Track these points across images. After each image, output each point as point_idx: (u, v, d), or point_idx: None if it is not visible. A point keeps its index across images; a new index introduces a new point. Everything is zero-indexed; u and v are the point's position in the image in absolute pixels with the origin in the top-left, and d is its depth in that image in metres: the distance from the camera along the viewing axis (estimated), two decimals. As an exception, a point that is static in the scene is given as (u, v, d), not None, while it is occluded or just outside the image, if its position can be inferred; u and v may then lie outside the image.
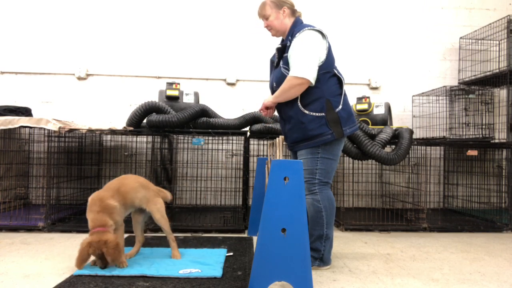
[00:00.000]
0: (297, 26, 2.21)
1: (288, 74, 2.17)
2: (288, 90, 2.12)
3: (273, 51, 3.96)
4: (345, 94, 2.24)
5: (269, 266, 1.70)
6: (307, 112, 2.15)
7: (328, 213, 2.18)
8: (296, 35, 2.14)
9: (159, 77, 4.22)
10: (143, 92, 4.19)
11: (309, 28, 2.14)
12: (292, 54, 2.13)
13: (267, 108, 2.31)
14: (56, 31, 4.16)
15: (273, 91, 2.30)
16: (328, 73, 2.16)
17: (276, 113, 3.47)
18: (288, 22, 2.27)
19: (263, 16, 2.31)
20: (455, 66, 4.41)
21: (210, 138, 4.07)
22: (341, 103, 2.19)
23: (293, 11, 2.30)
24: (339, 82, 2.21)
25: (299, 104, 2.17)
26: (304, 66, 2.07)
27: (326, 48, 2.16)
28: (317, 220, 2.17)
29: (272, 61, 2.41)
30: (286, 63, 2.19)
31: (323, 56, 2.14)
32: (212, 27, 4.27)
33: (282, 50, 2.29)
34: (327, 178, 2.20)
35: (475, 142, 3.53)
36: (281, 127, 2.37)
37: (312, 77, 2.09)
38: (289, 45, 2.18)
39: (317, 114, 2.14)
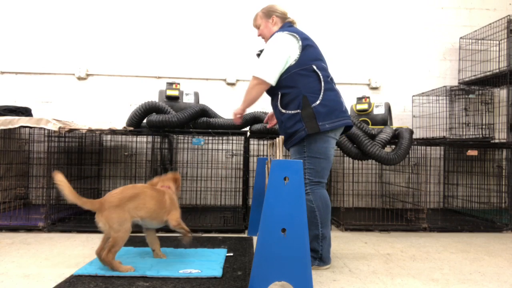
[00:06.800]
0: (277, 31, 2.30)
1: None
2: (249, 91, 2.23)
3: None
4: (329, 89, 2.18)
5: (269, 266, 1.70)
6: (284, 111, 2.22)
7: (322, 212, 2.18)
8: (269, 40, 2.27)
9: (159, 77, 4.21)
10: (143, 92, 4.19)
11: (280, 31, 2.24)
12: (262, 55, 2.24)
13: (237, 115, 2.40)
14: (56, 31, 4.15)
15: None
16: (305, 70, 2.17)
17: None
18: (277, 29, 2.36)
19: (256, 26, 2.47)
20: (455, 66, 4.41)
21: (210, 138, 4.07)
22: (320, 98, 2.14)
23: (284, 20, 2.39)
24: (319, 77, 2.18)
25: (279, 104, 2.25)
26: (264, 67, 2.18)
27: (299, 47, 2.19)
28: (312, 220, 2.17)
29: None
30: None
31: (294, 55, 2.18)
32: (212, 27, 4.27)
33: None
34: (318, 178, 2.19)
35: (475, 142, 3.53)
36: None
37: (270, 78, 2.18)
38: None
39: (292, 111, 2.18)
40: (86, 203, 1.96)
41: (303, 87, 2.16)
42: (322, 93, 2.17)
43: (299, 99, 2.15)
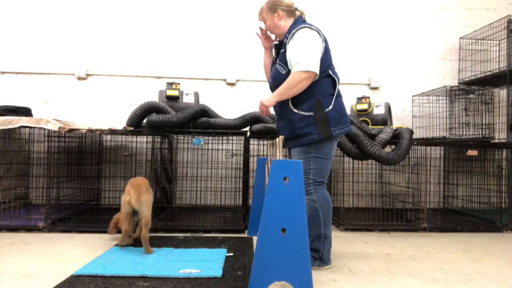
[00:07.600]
0: (295, 24, 2.23)
1: (282, 71, 2.21)
2: (295, 85, 2.10)
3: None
4: (338, 95, 2.24)
5: (269, 266, 1.70)
6: (296, 111, 2.18)
7: (325, 212, 2.18)
8: (294, 32, 2.16)
9: (159, 77, 4.22)
10: (143, 92, 4.19)
11: (307, 26, 2.16)
12: (293, 49, 2.14)
13: (269, 106, 2.29)
14: (56, 31, 4.16)
15: (270, 88, 2.37)
16: (323, 72, 2.17)
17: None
18: (284, 23, 2.29)
19: (262, 20, 2.39)
20: (455, 66, 4.41)
21: (210, 138, 4.07)
22: (333, 103, 2.18)
23: (291, 12, 2.31)
24: (333, 82, 2.21)
25: (290, 102, 2.20)
26: (309, 60, 2.08)
27: (323, 47, 2.17)
28: (314, 220, 2.17)
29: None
30: (282, 60, 2.23)
31: (320, 54, 2.16)
32: (212, 27, 4.27)
33: (279, 47, 2.34)
34: (321, 178, 2.20)
35: (475, 142, 3.53)
36: (276, 124, 2.40)
37: (317, 70, 2.10)
38: (286, 42, 2.21)
39: (305, 113, 2.16)
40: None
41: (317, 89, 2.16)
42: (334, 98, 2.19)
43: (313, 101, 2.15)
